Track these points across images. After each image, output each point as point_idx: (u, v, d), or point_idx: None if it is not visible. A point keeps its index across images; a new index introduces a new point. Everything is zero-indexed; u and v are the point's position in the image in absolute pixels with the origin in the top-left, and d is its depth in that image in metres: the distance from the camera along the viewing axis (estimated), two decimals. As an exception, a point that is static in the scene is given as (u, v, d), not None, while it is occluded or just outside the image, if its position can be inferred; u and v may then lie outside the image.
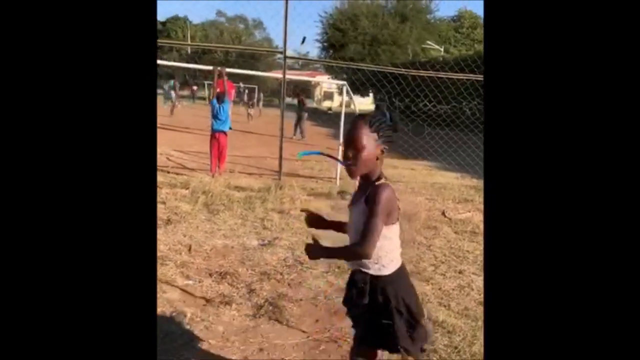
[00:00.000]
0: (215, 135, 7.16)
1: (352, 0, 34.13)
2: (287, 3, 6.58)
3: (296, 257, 3.97)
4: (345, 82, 9.36)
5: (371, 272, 1.76)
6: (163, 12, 50.31)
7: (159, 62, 7.16)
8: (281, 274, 3.62)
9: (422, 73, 9.47)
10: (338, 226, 1.95)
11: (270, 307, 3.05)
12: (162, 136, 11.23)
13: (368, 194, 1.67)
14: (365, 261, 1.72)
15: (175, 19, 49.07)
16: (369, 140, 1.68)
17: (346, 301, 1.88)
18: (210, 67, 7.59)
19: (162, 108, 18.91)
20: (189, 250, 3.92)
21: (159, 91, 25.70)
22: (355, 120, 1.73)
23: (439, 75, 9.03)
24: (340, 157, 1.89)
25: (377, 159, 1.72)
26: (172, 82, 22.13)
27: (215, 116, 7.14)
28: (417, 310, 1.79)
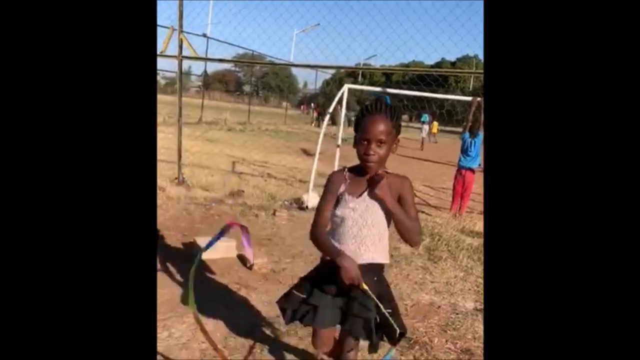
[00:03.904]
0: (461, 172, 6.37)
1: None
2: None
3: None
4: None
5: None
6: (454, 53, 51.31)
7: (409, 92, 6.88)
8: (490, 356, 2.66)
9: None
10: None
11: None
12: (412, 168, 10.88)
13: (393, 184, 1.66)
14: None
15: (465, 58, 49.33)
16: (391, 133, 1.64)
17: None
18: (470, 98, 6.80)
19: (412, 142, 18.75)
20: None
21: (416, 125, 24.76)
22: (375, 111, 1.63)
23: None
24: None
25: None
26: (426, 116, 21.08)
27: (464, 151, 6.36)
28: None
